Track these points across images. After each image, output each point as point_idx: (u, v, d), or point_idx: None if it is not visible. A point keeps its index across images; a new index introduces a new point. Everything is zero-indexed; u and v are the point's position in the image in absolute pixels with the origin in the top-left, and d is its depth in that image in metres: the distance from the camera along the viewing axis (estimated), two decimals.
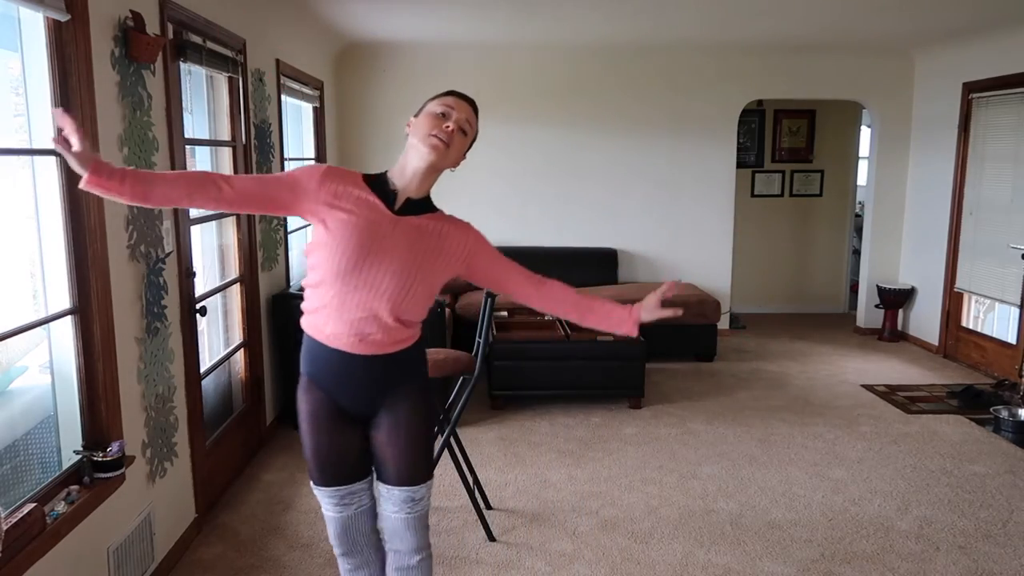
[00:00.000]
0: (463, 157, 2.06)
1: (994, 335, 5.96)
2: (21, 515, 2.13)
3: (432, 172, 2.02)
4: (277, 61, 4.75)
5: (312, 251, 1.99)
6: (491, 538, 3.35)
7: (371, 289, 1.94)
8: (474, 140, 2.08)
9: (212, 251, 4.01)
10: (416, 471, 2.13)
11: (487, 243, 2.13)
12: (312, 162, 6.02)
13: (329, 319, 1.98)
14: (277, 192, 1.96)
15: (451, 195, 6.88)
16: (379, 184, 2.01)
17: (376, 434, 2.11)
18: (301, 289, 2.09)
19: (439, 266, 2.03)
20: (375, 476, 2.19)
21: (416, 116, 2.01)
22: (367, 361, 2.01)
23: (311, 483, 2.18)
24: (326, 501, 2.17)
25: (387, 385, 2.06)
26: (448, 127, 1.95)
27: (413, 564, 2.19)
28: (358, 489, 2.17)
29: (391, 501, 2.14)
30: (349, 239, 1.91)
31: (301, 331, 2.09)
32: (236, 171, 4.02)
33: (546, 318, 5.55)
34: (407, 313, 2.01)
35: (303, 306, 2.05)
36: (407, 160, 2.00)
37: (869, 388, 5.53)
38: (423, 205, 2.05)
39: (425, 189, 2.04)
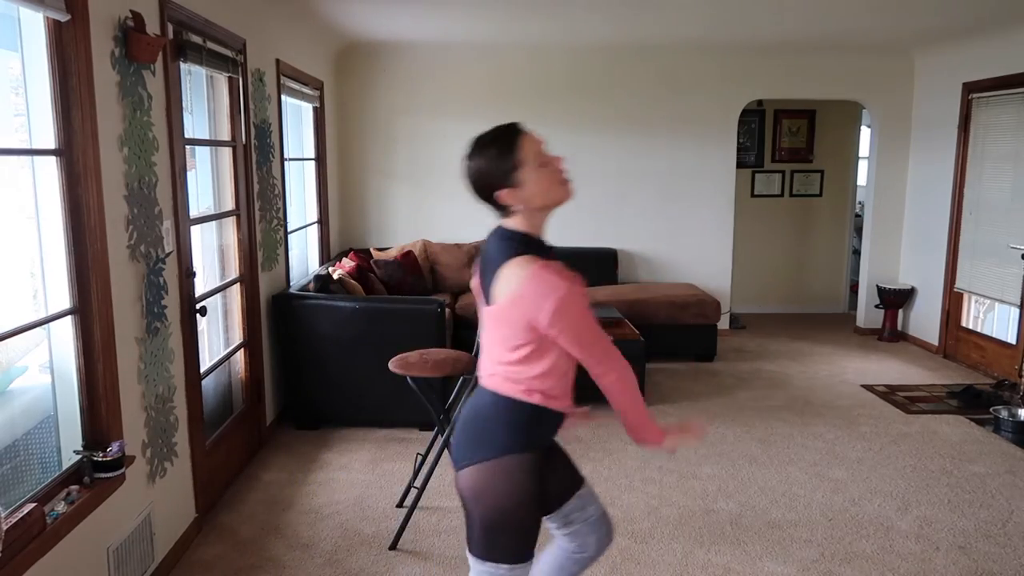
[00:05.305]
0: None
1: (994, 335, 5.96)
2: (21, 515, 2.13)
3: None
4: (277, 61, 4.75)
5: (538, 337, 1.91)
6: None
7: None
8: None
9: (212, 251, 4.01)
10: None
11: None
12: (312, 162, 6.02)
13: (560, 386, 2.01)
14: None
15: (452, 196, 6.93)
16: (547, 250, 1.97)
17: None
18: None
19: None
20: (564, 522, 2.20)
21: (514, 186, 1.87)
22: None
23: (511, 568, 2.02)
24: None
25: None
26: (562, 168, 1.95)
27: None
28: None
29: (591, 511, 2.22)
30: None
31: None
32: (236, 171, 4.02)
33: None
34: None
35: (529, 384, 1.95)
36: (537, 216, 1.94)
37: (869, 388, 5.53)
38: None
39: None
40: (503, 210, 1.92)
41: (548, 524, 2.19)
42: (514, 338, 1.90)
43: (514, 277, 1.84)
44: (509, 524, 1.97)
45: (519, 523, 1.99)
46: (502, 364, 1.95)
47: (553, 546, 2.29)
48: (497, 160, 1.87)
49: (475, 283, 2.07)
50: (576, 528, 2.19)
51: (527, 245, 1.89)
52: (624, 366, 1.96)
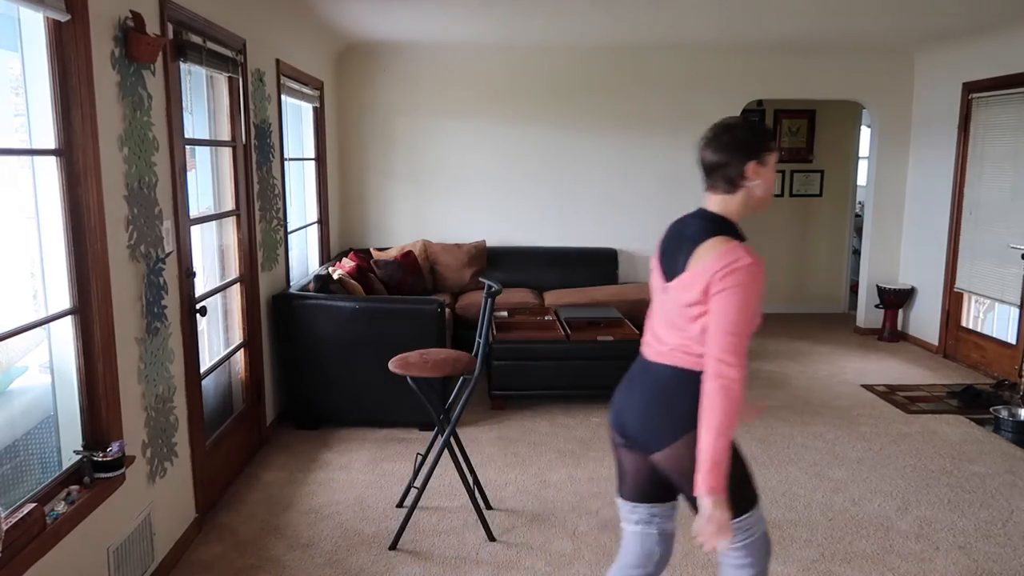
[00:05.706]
0: None
1: (994, 335, 5.96)
2: (21, 515, 2.13)
3: None
4: (277, 61, 4.75)
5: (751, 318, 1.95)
6: (491, 538, 3.35)
7: None
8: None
9: (212, 251, 4.01)
10: None
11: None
12: (312, 162, 6.02)
13: None
14: None
15: (454, 196, 6.93)
16: (742, 238, 2.02)
17: None
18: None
19: None
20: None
21: (762, 164, 2.00)
22: None
23: (753, 512, 2.16)
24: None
25: None
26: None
27: None
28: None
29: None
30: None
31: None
32: (236, 171, 4.02)
33: (546, 318, 5.55)
34: None
35: (738, 364, 1.93)
36: (748, 205, 2.04)
37: (869, 388, 5.53)
38: None
39: None
40: (729, 184, 2.01)
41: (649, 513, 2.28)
42: (695, 304, 1.96)
43: (712, 249, 1.94)
44: (731, 478, 2.03)
45: (738, 470, 2.07)
46: (682, 337, 2.02)
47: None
48: (760, 137, 2.03)
49: (655, 263, 2.14)
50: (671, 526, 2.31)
51: (728, 229, 2.01)
52: (739, 386, 1.91)
